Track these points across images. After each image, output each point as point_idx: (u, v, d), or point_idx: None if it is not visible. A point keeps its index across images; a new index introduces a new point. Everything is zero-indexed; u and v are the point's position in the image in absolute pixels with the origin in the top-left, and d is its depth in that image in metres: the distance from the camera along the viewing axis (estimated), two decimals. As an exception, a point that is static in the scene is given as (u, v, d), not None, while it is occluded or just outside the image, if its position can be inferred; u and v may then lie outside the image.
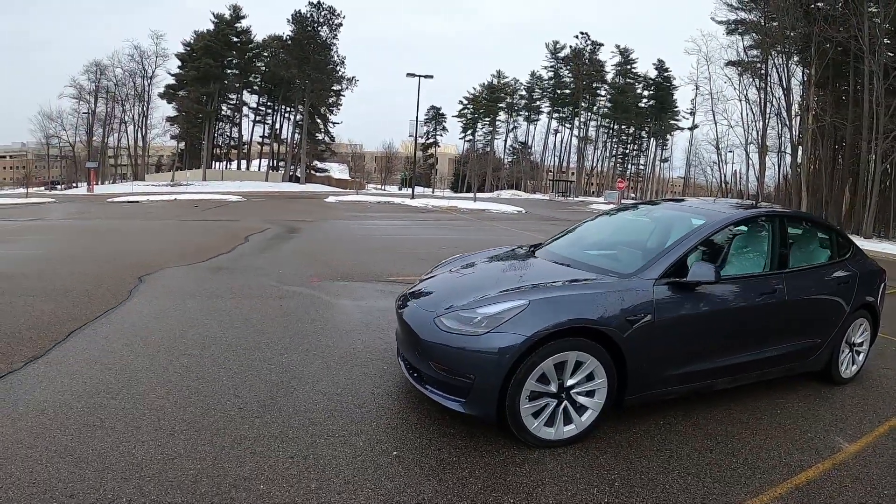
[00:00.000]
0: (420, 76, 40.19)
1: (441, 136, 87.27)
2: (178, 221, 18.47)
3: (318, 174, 71.10)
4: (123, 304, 6.43)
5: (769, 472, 3.23)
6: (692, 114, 54.23)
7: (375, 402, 3.84)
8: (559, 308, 3.38)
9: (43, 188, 57.30)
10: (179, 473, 2.86)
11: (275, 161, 71.13)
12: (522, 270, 4.15)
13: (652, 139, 78.59)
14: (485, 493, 2.81)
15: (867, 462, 3.42)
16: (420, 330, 3.48)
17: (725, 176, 41.31)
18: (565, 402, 3.41)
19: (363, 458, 3.04)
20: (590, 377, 3.43)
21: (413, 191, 43.74)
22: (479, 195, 51.30)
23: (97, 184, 51.76)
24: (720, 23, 37.40)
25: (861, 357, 4.94)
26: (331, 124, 70.70)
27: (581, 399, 3.45)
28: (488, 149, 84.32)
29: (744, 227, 4.45)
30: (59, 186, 60.21)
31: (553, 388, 3.36)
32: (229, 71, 63.42)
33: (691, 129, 56.33)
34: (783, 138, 35.70)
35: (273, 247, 12.06)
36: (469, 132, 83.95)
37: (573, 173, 78.61)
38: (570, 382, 3.40)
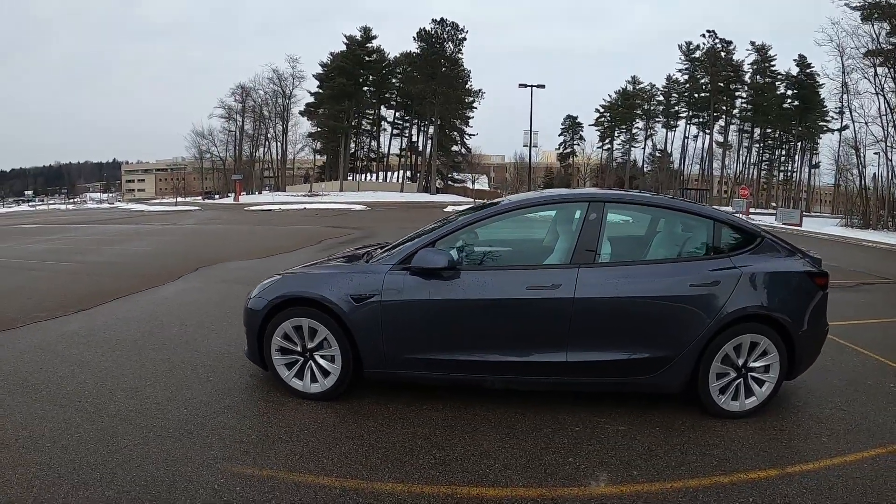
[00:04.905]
0: (532, 86, 41.32)
1: (578, 145, 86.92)
2: (284, 227, 21.64)
3: (454, 185, 74.34)
4: (168, 283, 8.70)
5: (449, 475, 3.07)
6: (840, 113, 49.35)
7: (238, 353, 4.85)
8: (293, 283, 4.12)
9: (199, 198, 66.60)
10: (107, 360, 4.68)
11: (412, 172, 75.68)
12: (343, 252, 5.08)
13: (799, 143, 72.20)
14: (218, 411, 3.82)
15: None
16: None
17: (864, 180, 37.29)
18: (310, 362, 4.01)
19: (184, 372, 4.59)
20: (329, 344, 3.93)
21: (527, 200, 44.64)
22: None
23: (243, 194, 58.94)
24: (854, 8, 33.78)
25: (765, 388, 3.87)
26: (466, 136, 73.77)
27: (323, 363, 3.99)
28: (626, 157, 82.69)
29: (531, 214, 4.37)
30: (216, 196, 69.47)
31: (298, 347, 4.01)
32: (365, 88, 68.96)
33: (840, 130, 51.21)
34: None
35: (333, 248, 14.16)
36: (606, 141, 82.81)
37: (717, 181, 74.73)
38: (310, 345, 3.98)
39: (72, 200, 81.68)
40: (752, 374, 3.88)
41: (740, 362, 3.84)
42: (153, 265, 10.66)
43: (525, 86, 41.46)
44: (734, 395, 3.88)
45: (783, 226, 30.82)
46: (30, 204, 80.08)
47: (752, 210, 45.04)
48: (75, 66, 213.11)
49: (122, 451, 3.22)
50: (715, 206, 4.77)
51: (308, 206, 40.44)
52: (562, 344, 3.75)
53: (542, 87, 41.78)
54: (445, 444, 3.44)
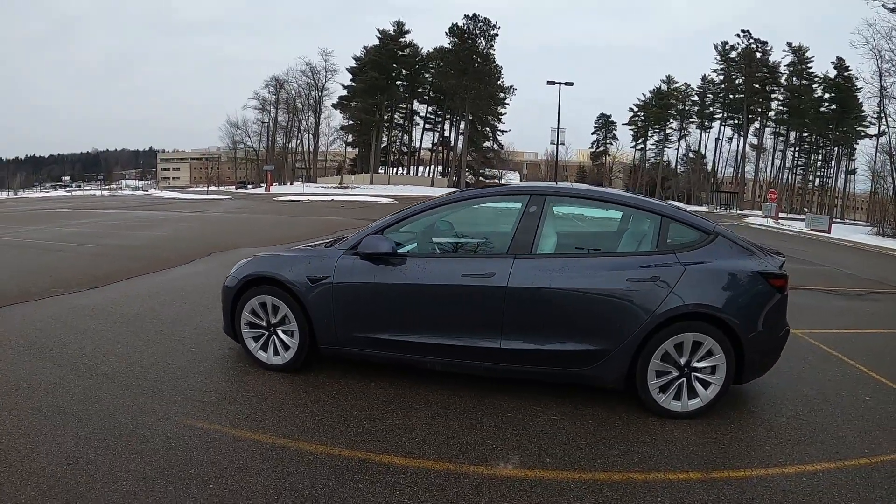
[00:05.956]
0: (560, 83, 41.48)
1: (611, 144, 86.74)
2: (307, 217, 22.47)
3: (485, 180, 74.80)
4: (181, 266, 9.38)
5: (370, 443, 3.36)
6: (879, 118, 47.86)
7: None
8: (261, 264, 4.50)
9: (233, 187, 68.60)
10: (108, 330, 5.24)
11: (443, 167, 76.41)
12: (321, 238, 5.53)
13: (836, 148, 70.19)
14: (190, 375, 4.33)
15: (468, 486, 2.96)
16: None
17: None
18: (273, 336, 4.42)
19: (172, 342, 5.14)
20: (289, 320, 4.31)
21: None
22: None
23: (274, 184, 60.40)
24: (891, 10, 32.48)
25: (710, 391, 3.83)
26: (499, 132, 74.14)
27: (284, 337, 4.38)
28: (659, 158, 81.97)
29: (473, 206, 4.53)
30: (249, 186, 71.45)
31: (263, 322, 4.43)
32: (398, 83, 69.83)
33: (878, 136, 49.69)
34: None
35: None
36: (640, 140, 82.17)
37: (751, 185, 73.61)
38: (273, 321, 4.38)
39: (107, 187, 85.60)
40: (697, 374, 3.83)
41: (682, 361, 3.81)
42: (171, 249, 11.37)
43: (553, 83, 41.73)
44: (676, 394, 3.84)
45: (811, 232, 30.39)
46: (66, 189, 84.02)
47: (782, 215, 44.32)
48: (116, 58, 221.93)
49: (101, 403, 3.78)
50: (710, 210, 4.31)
51: (336, 197, 41.17)
52: (496, 331, 3.89)
53: (571, 84, 42.04)
54: (378, 417, 3.75)
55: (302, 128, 77.03)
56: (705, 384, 3.83)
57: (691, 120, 77.80)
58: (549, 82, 41.41)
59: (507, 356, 3.92)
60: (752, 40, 68.76)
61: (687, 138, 79.63)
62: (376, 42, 69.59)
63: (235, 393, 4.07)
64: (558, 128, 43.88)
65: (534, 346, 3.87)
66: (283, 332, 4.41)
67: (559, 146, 45.65)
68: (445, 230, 4.69)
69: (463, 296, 3.93)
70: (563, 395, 4.16)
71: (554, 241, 4.18)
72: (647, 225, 4.14)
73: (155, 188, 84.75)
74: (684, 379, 3.83)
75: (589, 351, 3.81)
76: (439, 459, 3.23)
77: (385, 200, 39.12)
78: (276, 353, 4.45)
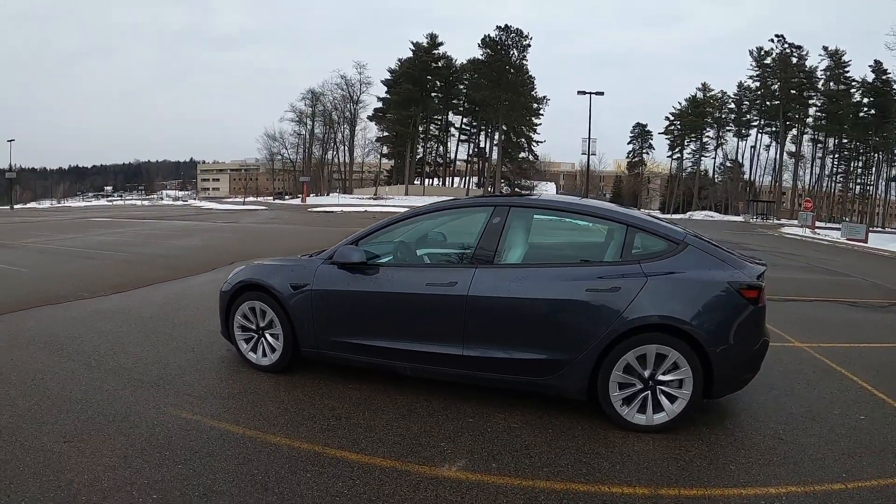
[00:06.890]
0: (591, 93, 41.53)
1: (647, 153, 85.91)
2: (336, 228, 23.24)
3: (521, 191, 74.89)
4: (201, 274, 9.98)
5: (328, 439, 3.57)
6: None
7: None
8: (253, 271, 4.85)
9: (270, 198, 70.58)
10: (123, 330, 5.77)
11: (479, 178, 76.99)
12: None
13: (876, 154, 67.65)
14: (187, 372, 4.76)
15: (407, 483, 3.09)
16: None
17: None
18: (262, 338, 4.73)
19: (177, 343, 5.61)
20: (275, 324, 4.62)
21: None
22: (660, 215, 50.12)
23: (310, 195, 61.90)
24: None
25: (677, 405, 3.75)
26: (534, 143, 74.36)
27: (271, 340, 4.69)
28: (696, 167, 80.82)
29: (443, 217, 4.86)
30: (286, 196, 73.44)
31: (254, 326, 4.75)
32: (433, 94, 70.78)
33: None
34: None
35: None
36: (676, 150, 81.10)
37: (790, 193, 71.93)
38: (262, 324, 4.71)
39: (148, 197, 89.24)
40: (662, 387, 3.75)
41: (647, 374, 3.75)
42: (196, 258, 12.07)
43: (583, 93, 41.80)
44: (641, 407, 3.78)
45: (847, 241, 29.59)
46: (108, 199, 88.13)
47: (820, 224, 43.21)
48: (158, 71, 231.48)
49: (103, 394, 4.24)
50: (658, 216, 4.39)
51: (369, 208, 41.94)
52: (458, 338, 4.02)
53: (601, 94, 41.92)
54: (344, 416, 3.96)
55: (338, 139, 79.10)
56: (672, 398, 3.76)
57: (728, 128, 76.32)
58: (579, 92, 41.56)
59: (470, 363, 4.03)
60: (786, 45, 67.09)
61: (724, 147, 78.20)
62: (410, 54, 70.89)
63: (223, 389, 4.47)
64: (589, 138, 43.88)
65: (494, 355, 3.97)
66: (270, 335, 4.72)
67: (591, 157, 45.52)
68: (422, 240, 4.96)
69: (428, 304, 4.12)
70: (532, 404, 4.20)
71: (520, 252, 4.26)
72: (613, 235, 4.16)
73: (194, 198, 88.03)
74: (649, 392, 3.78)
75: (548, 361, 3.85)
76: (388, 457, 3.40)
77: (416, 211, 39.58)
78: (264, 354, 4.77)
